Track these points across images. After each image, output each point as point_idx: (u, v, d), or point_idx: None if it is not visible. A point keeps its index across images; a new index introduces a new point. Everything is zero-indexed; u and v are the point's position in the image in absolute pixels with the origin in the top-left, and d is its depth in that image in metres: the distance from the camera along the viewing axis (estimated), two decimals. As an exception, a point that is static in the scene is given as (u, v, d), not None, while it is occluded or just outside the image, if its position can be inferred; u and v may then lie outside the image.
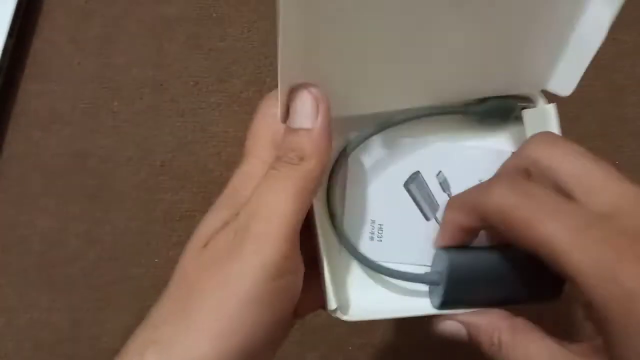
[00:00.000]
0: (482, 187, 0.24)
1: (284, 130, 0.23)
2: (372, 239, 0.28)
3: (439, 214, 0.29)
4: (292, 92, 0.23)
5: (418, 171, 0.29)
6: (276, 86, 0.51)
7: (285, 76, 0.22)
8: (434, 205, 0.29)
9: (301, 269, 0.23)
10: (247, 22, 0.51)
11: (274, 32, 0.55)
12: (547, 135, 0.25)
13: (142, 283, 0.46)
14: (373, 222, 0.28)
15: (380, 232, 0.28)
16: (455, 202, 0.27)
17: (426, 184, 0.29)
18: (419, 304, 0.28)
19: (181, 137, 0.49)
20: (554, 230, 0.20)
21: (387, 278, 0.28)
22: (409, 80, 0.26)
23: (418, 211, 0.29)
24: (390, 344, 0.46)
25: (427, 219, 0.29)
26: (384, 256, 0.28)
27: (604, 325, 0.20)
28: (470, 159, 0.29)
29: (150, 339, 0.21)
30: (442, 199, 0.29)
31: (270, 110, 0.24)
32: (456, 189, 0.28)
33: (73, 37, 0.50)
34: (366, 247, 0.28)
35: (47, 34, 0.51)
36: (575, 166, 0.22)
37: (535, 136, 0.25)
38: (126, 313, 0.46)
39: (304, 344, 0.46)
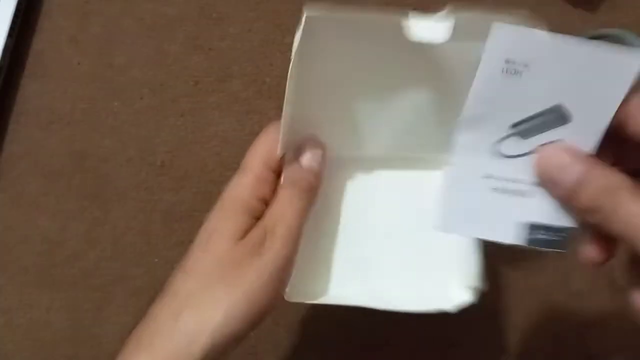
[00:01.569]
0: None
1: (295, 164, 0.32)
2: None
3: None
4: (305, 141, 0.32)
5: None
6: (275, 86, 0.51)
7: (288, 124, 0.30)
8: None
9: None
10: (247, 22, 0.51)
11: (273, 32, 0.55)
12: None
13: (142, 283, 0.46)
14: None
15: None
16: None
17: None
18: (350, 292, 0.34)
19: (181, 137, 0.49)
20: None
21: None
22: (385, 130, 0.34)
23: None
24: (391, 344, 0.46)
25: None
26: None
27: None
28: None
29: (185, 305, 0.29)
30: None
31: (269, 136, 0.32)
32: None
33: (73, 37, 0.50)
34: None
35: (47, 34, 0.51)
36: None
37: None
38: (126, 313, 0.46)
39: (304, 343, 0.46)
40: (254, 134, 0.49)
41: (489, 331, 0.46)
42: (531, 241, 0.28)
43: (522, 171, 0.28)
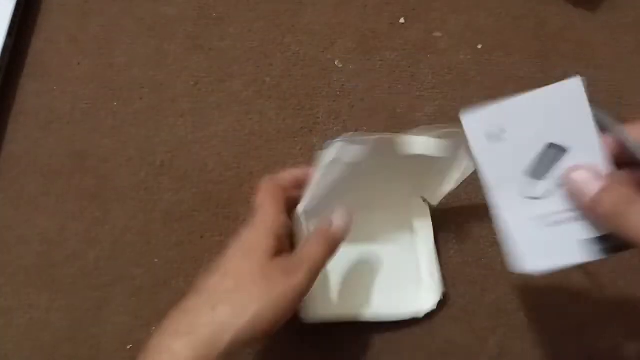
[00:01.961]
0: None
1: (327, 220, 0.40)
2: None
3: None
4: (340, 210, 0.40)
5: None
6: (274, 86, 0.51)
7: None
8: None
9: None
10: (247, 22, 0.51)
11: (273, 32, 0.55)
12: None
13: (142, 283, 0.46)
14: None
15: None
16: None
17: None
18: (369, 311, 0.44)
19: (181, 137, 0.49)
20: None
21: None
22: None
23: None
24: (390, 344, 0.46)
25: None
26: None
27: None
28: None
29: (222, 300, 0.35)
30: None
31: (270, 183, 0.41)
32: None
33: (73, 37, 0.50)
34: None
35: (47, 34, 0.51)
36: None
37: None
38: (126, 313, 0.46)
39: (304, 344, 0.46)
40: (254, 134, 0.50)
41: (488, 331, 0.46)
42: (593, 254, 0.33)
43: (557, 203, 0.33)
